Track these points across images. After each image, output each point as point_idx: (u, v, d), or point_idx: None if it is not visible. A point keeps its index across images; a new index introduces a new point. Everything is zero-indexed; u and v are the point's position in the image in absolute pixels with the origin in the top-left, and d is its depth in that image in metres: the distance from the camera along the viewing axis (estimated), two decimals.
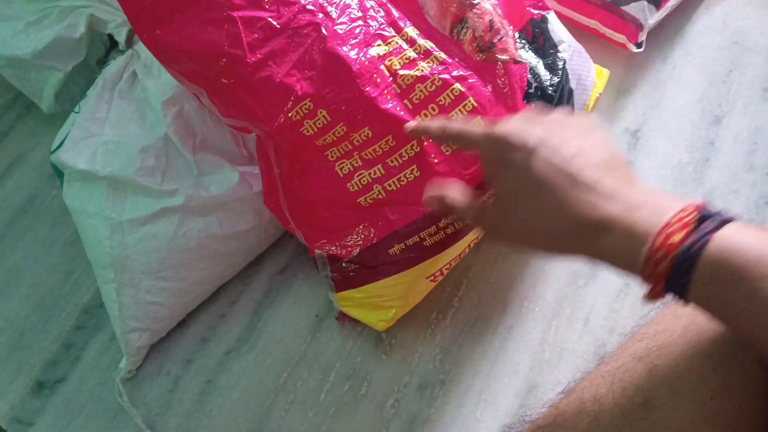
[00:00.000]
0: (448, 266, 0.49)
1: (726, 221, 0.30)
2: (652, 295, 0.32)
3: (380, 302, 0.49)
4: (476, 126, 0.39)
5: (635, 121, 0.58)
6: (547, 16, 0.51)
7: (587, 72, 0.52)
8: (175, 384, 0.53)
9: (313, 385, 0.51)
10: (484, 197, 0.44)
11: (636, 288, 0.51)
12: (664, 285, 0.31)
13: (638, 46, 0.60)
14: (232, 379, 0.53)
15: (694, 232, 0.30)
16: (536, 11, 0.50)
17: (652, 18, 0.60)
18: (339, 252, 0.48)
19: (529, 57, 0.48)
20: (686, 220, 0.31)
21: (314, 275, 0.56)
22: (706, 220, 0.30)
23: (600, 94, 0.54)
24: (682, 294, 0.31)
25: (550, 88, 0.47)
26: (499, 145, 0.36)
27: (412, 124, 0.44)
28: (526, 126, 0.36)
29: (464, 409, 0.49)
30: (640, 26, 0.59)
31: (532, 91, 0.47)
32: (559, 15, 0.64)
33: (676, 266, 0.30)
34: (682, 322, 0.37)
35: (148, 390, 0.53)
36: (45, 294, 0.61)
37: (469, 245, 0.50)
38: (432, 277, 0.49)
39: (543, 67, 0.48)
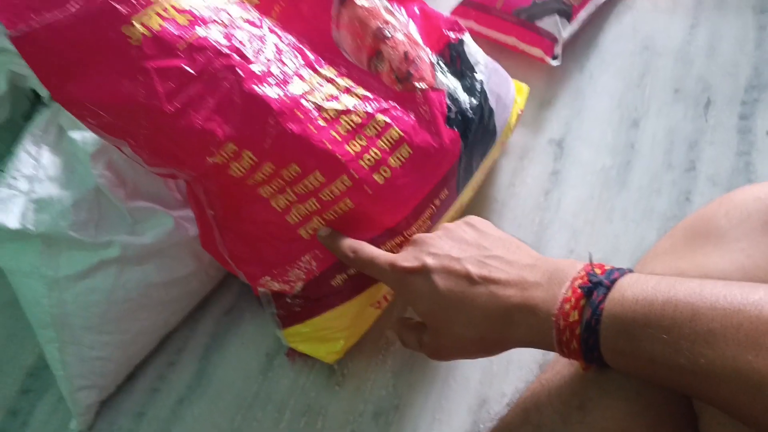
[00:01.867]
0: (391, 292, 0.50)
1: (612, 282, 0.33)
2: (583, 368, 0.36)
3: (328, 334, 0.49)
4: (381, 256, 0.42)
5: (559, 131, 0.61)
6: (463, 38, 0.52)
7: (506, 90, 0.53)
8: None
9: (268, 425, 0.51)
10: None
11: None
12: (583, 361, 0.34)
13: (555, 58, 0.62)
14: (186, 427, 0.52)
15: (587, 307, 0.33)
16: (453, 34, 0.52)
17: (565, 31, 0.62)
18: (282, 288, 0.48)
19: (447, 82, 0.49)
20: (577, 294, 0.34)
21: (261, 314, 0.55)
22: (594, 289, 0.33)
23: (521, 110, 0.56)
24: (602, 363, 0.34)
25: (470, 111, 0.49)
26: (401, 276, 0.40)
27: (325, 231, 0.45)
28: (417, 251, 0.41)
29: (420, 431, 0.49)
30: (554, 40, 0.62)
31: (452, 115, 0.48)
32: (478, 34, 0.67)
33: (584, 343, 0.33)
34: None
35: None
36: None
37: None
38: (377, 304, 0.49)
39: (461, 90, 0.49)
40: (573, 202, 0.56)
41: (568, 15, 0.63)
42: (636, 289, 0.32)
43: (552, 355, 0.49)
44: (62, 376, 0.53)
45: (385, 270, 0.42)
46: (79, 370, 0.52)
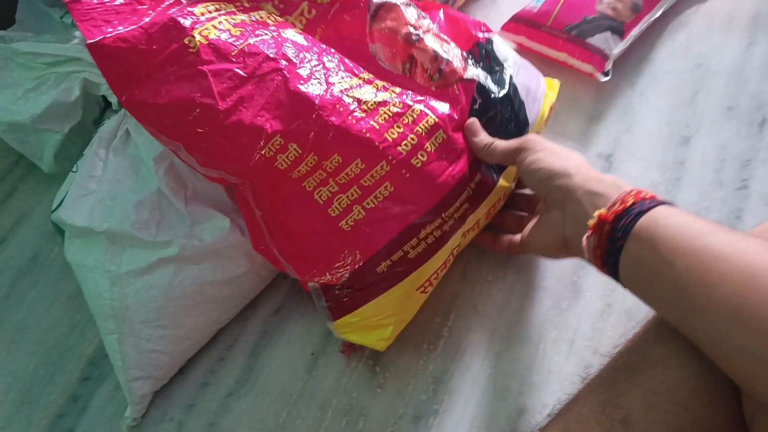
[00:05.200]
0: (435, 276, 0.51)
1: (660, 204, 0.37)
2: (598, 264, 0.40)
3: (376, 322, 0.51)
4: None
5: (608, 146, 0.61)
6: (492, 38, 0.55)
7: (536, 84, 0.55)
8: (179, 429, 0.55)
9: (311, 423, 0.53)
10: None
11: (618, 307, 0.53)
12: (603, 251, 0.38)
13: (605, 74, 0.62)
14: (233, 420, 0.54)
15: (632, 208, 0.37)
16: (482, 34, 0.54)
17: (616, 48, 0.62)
18: (330, 280, 0.50)
19: (477, 73, 0.51)
20: (630, 197, 0.38)
21: (308, 314, 0.57)
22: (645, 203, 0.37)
23: (554, 104, 0.57)
24: (613, 264, 0.37)
25: (498, 100, 0.51)
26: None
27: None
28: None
29: None
30: (605, 56, 0.62)
31: (477, 106, 0.51)
32: (528, 49, 0.68)
33: (613, 232, 0.37)
34: (651, 336, 0.39)
35: None
36: (50, 348, 0.62)
37: (452, 252, 0.52)
38: (422, 288, 0.51)
39: (491, 81, 0.52)
40: None
41: (619, 32, 0.63)
42: (680, 219, 0.35)
43: (595, 366, 0.49)
44: (120, 366, 0.55)
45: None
46: (135, 362, 0.55)
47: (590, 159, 0.60)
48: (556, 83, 0.59)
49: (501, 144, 0.48)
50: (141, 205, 0.55)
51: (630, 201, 0.38)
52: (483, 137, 0.50)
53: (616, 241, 0.37)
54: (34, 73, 0.68)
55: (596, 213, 0.38)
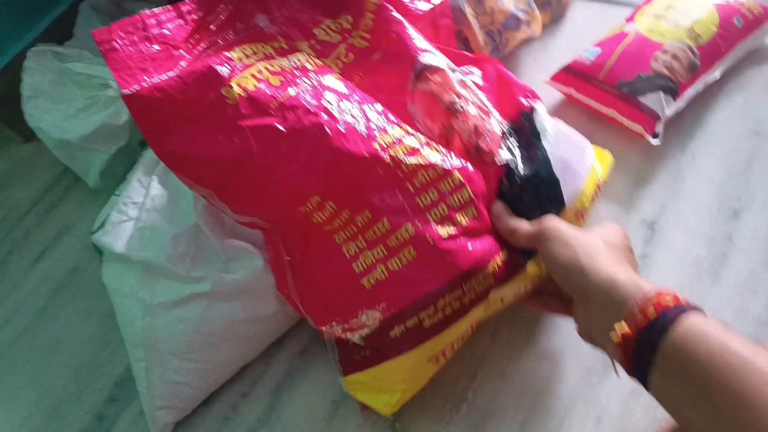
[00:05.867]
0: (450, 348, 0.50)
1: (693, 309, 0.36)
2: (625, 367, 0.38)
3: (385, 385, 0.50)
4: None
5: (653, 212, 0.59)
6: (536, 106, 0.53)
7: (578, 158, 0.53)
8: None
9: None
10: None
11: None
12: (630, 357, 0.37)
13: (655, 137, 0.60)
14: None
15: (664, 314, 0.36)
16: (527, 102, 0.53)
17: (669, 109, 0.60)
18: (345, 336, 0.50)
19: (508, 156, 0.50)
20: (661, 300, 0.37)
21: (331, 360, 0.57)
22: (676, 308, 0.36)
23: (603, 179, 0.55)
24: (642, 370, 0.36)
25: (530, 178, 0.50)
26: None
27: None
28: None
29: None
30: (656, 117, 0.60)
31: (504, 189, 0.50)
32: (577, 101, 0.66)
33: (644, 335, 0.36)
34: None
35: None
36: (82, 364, 0.64)
37: (471, 326, 0.50)
38: (434, 360, 0.50)
39: (522, 160, 0.51)
40: None
41: (673, 92, 0.61)
42: (709, 335, 0.34)
43: None
44: (145, 394, 0.56)
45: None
46: (160, 391, 0.56)
47: (633, 225, 0.58)
48: (607, 157, 0.57)
49: (524, 228, 0.47)
50: (178, 238, 0.55)
51: (653, 314, 0.36)
52: (507, 220, 0.49)
53: (643, 357, 0.36)
54: (86, 92, 0.70)
55: (619, 329, 0.37)
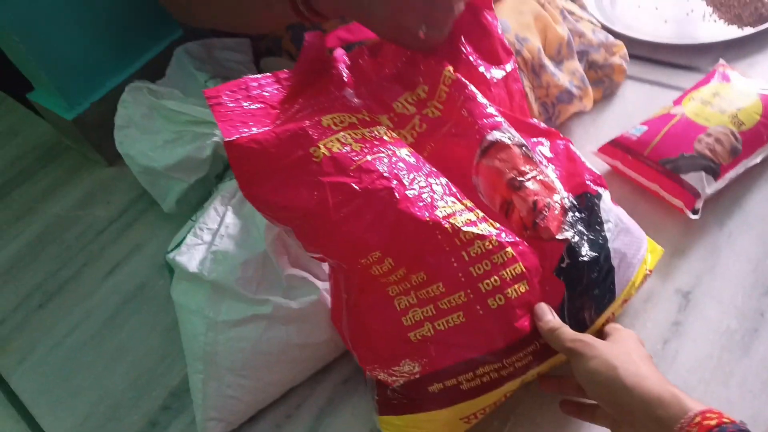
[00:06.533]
0: (482, 411, 0.52)
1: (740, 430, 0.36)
2: None
3: None
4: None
5: (688, 282, 0.62)
6: (602, 193, 0.56)
7: (635, 251, 0.55)
8: None
9: None
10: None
11: None
12: None
13: (695, 212, 0.64)
14: None
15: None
16: (593, 185, 0.56)
17: (709, 188, 0.64)
18: (386, 379, 0.53)
19: (569, 235, 0.52)
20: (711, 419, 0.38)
21: None
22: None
23: (650, 270, 0.57)
24: None
25: (587, 264, 0.52)
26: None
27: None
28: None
29: None
30: (697, 195, 0.64)
31: (564, 265, 0.51)
32: (622, 173, 0.71)
33: None
34: None
35: None
36: (141, 373, 0.69)
37: (505, 395, 0.53)
38: (466, 419, 0.52)
39: (584, 243, 0.52)
40: (691, 357, 0.57)
41: (714, 173, 0.65)
42: None
43: None
44: (200, 404, 0.61)
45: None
46: (214, 403, 0.60)
47: (668, 293, 0.62)
48: (658, 250, 0.59)
49: (566, 332, 0.49)
50: (247, 263, 0.61)
51: None
52: (549, 320, 0.50)
53: None
54: (174, 127, 0.77)
55: None
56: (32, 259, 0.85)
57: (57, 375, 0.71)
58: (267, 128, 0.53)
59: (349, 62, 0.62)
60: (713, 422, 0.38)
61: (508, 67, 0.62)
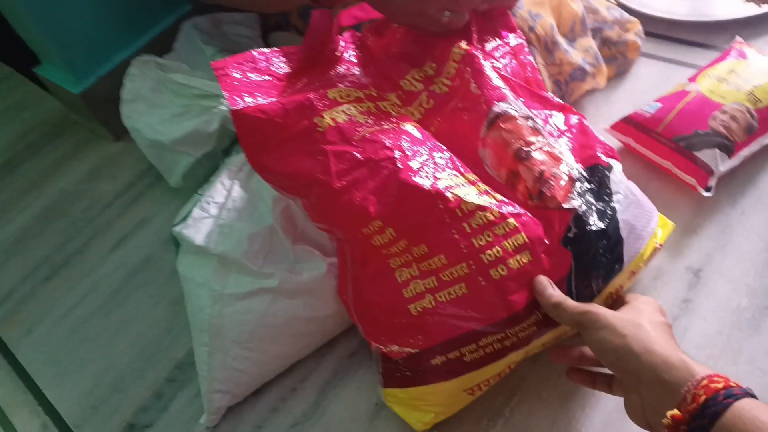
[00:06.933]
0: (486, 383, 0.52)
1: (746, 394, 0.36)
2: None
3: (420, 405, 0.53)
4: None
5: (698, 260, 0.61)
6: (613, 165, 0.55)
7: (644, 223, 0.54)
8: None
9: None
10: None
11: None
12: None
13: (707, 190, 0.63)
14: None
15: (715, 396, 0.36)
16: (605, 157, 0.55)
17: (723, 165, 0.63)
18: (389, 352, 0.53)
19: (579, 203, 0.51)
20: (713, 382, 0.38)
21: None
22: (729, 390, 0.37)
23: (660, 244, 0.56)
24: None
25: (594, 234, 0.51)
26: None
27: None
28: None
29: None
30: (710, 172, 0.63)
31: (571, 235, 0.50)
32: (635, 150, 0.70)
33: (702, 409, 0.37)
34: None
35: None
36: (147, 345, 0.69)
37: (509, 366, 0.53)
38: (470, 391, 0.52)
39: (594, 211, 0.51)
40: (700, 334, 0.56)
41: (729, 150, 0.64)
42: (762, 412, 0.36)
43: None
44: (205, 376, 0.61)
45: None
46: (219, 375, 0.60)
47: (678, 271, 0.61)
48: (669, 225, 0.58)
49: (569, 305, 0.48)
50: (254, 237, 0.61)
51: (702, 397, 0.37)
52: (550, 293, 0.48)
53: None
54: (182, 100, 0.77)
55: (669, 414, 0.38)
56: (39, 232, 0.85)
57: (63, 347, 0.71)
58: (273, 99, 0.53)
59: (357, 41, 0.61)
60: (720, 385, 0.38)
61: (513, 41, 0.61)
